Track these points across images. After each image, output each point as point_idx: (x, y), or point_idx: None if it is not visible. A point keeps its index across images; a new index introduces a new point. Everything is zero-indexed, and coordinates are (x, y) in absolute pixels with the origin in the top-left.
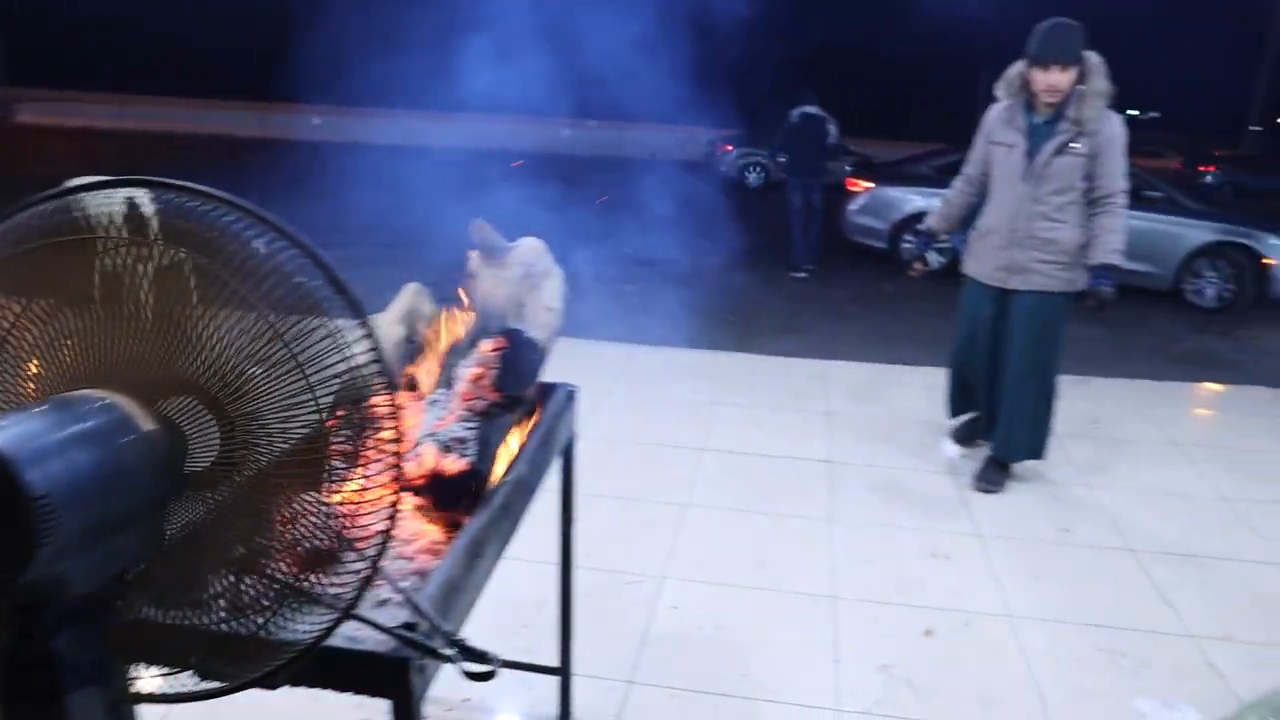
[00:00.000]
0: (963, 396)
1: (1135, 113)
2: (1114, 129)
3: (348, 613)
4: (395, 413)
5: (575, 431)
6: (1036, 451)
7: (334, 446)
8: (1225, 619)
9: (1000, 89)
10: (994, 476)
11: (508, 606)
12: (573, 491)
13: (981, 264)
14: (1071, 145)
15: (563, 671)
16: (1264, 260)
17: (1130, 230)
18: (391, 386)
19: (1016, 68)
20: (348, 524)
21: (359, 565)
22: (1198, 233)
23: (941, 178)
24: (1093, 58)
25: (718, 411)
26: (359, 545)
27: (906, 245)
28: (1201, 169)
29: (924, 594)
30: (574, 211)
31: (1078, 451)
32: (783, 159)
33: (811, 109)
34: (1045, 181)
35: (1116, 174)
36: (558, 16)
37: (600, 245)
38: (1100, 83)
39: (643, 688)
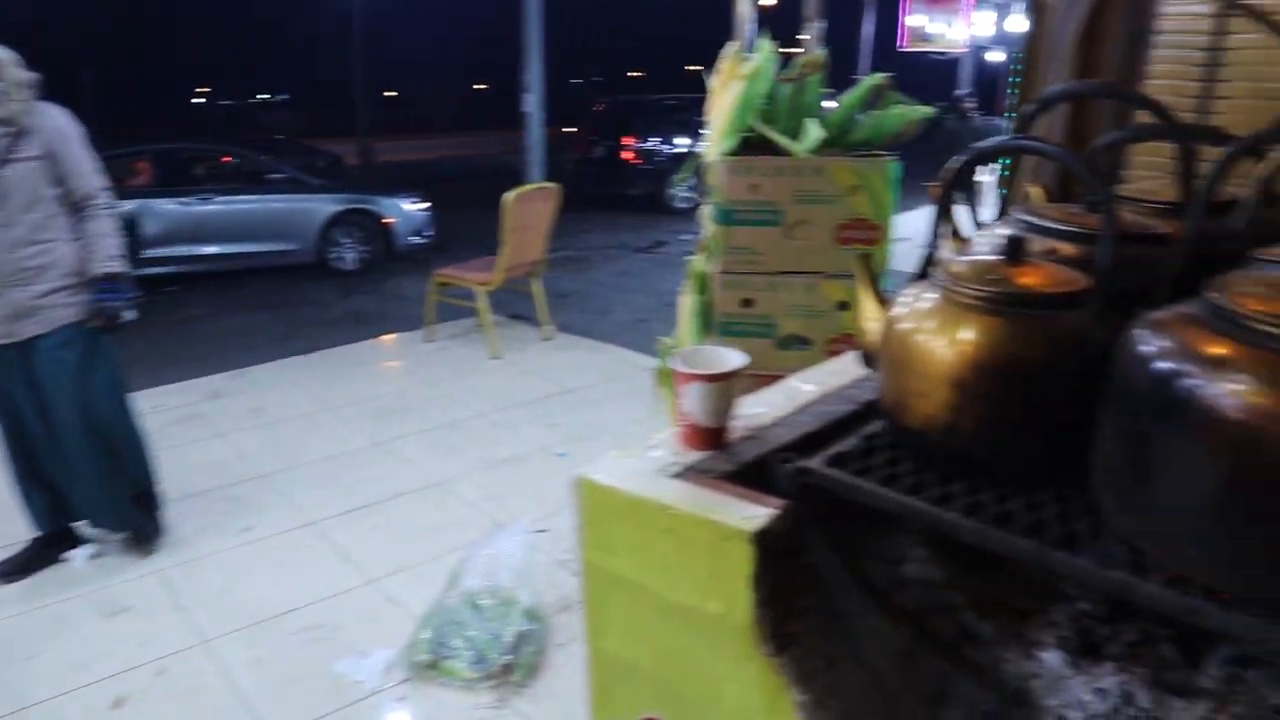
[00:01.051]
0: (42, 493)
1: (267, 96)
2: (60, 122)
3: None
4: None
5: None
6: (148, 498)
7: None
8: (395, 554)
9: None
10: (145, 531)
11: None
12: None
13: None
14: (16, 150)
15: None
16: (384, 220)
17: (268, 212)
18: None
19: None
20: None
21: None
22: (326, 205)
23: None
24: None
25: None
26: None
27: None
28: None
29: (109, 662)
30: None
31: (248, 445)
32: None
33: None
34: (5, 201)
35: (86, 172)
36: None
37: None
38: (16, 73)
39: None
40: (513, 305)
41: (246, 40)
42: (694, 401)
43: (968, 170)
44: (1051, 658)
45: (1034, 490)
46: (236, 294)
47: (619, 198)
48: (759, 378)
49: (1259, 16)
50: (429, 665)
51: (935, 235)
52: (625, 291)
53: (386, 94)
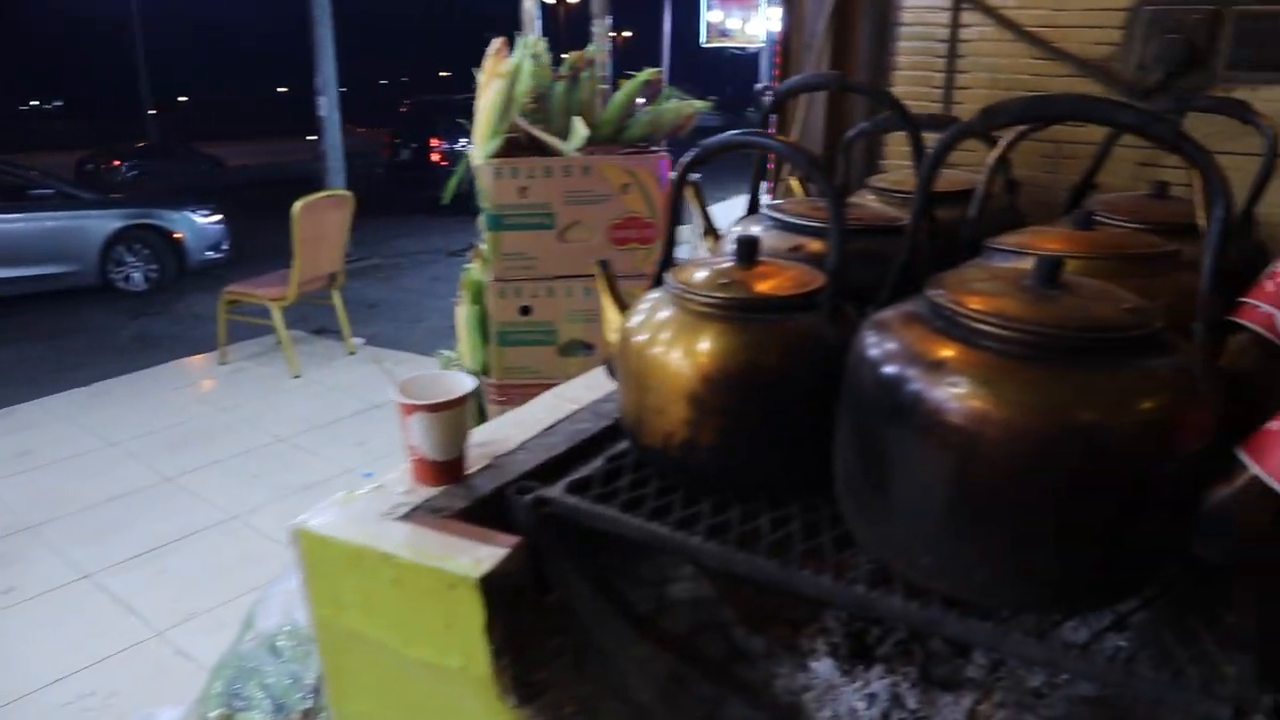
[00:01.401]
0: None
1: (37, 103)
2: None
3: None
4: None
5: None
6: None
7: None
8: (185, 601)
9: None
10: None
11: None
12: None
13: None
14: None
15: None
16: (174, 235)
17: (36, 232)
18: None
19: None
20: None
21: None
22: (105, 222)
23: None
24: None
25: None
26: None
27: None
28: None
29: None
30: None
31: (12, 494)
32: None
33: None
34: None
35: None
36: None
37: None
38: None
39: None
40: (316, 319)
41: (11, 41)
42: (419, 434)
43: (696, 167)
44: (823, 667)
45: (782, 504)
46: (2, 323)
47: (428, 201)
48: (544, 386)
49: (988, 10)
50: None
51: (670, 237)
52: (438, 297)
53: (179, 99)
